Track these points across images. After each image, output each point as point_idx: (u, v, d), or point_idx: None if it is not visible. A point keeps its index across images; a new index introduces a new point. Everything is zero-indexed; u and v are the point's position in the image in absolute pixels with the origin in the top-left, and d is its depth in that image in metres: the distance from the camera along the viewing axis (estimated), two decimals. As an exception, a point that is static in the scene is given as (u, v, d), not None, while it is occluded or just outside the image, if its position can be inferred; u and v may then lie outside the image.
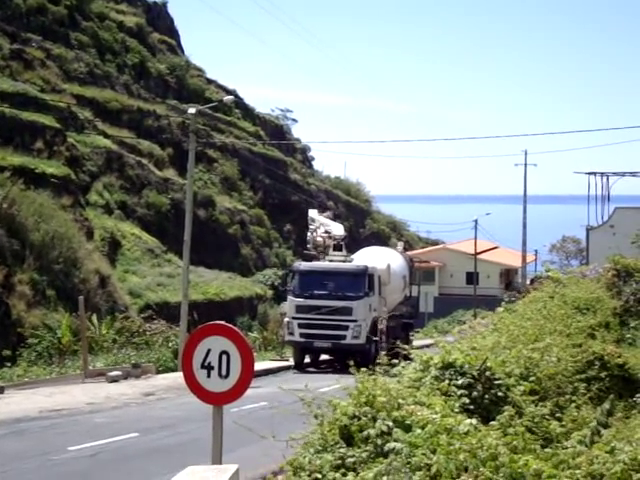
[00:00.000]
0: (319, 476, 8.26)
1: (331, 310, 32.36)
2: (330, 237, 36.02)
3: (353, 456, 8.46)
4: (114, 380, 26.51)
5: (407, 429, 8.56)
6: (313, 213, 38.75)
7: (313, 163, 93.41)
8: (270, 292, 58.92)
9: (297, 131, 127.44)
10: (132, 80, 67.87)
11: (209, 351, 8.53)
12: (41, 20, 60.51)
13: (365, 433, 8.64)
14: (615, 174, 44.07)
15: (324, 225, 36.89)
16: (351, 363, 10.14)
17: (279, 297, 51.54)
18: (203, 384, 8.57)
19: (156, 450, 15.84)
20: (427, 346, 29.31)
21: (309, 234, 36.87)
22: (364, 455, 8.44)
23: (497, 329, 16.50)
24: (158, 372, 29.43)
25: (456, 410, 9.57)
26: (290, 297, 33.64)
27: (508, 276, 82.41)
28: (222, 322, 8.82)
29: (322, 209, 45.44)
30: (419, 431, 8.41)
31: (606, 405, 13.65)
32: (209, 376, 8.54)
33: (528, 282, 58.93)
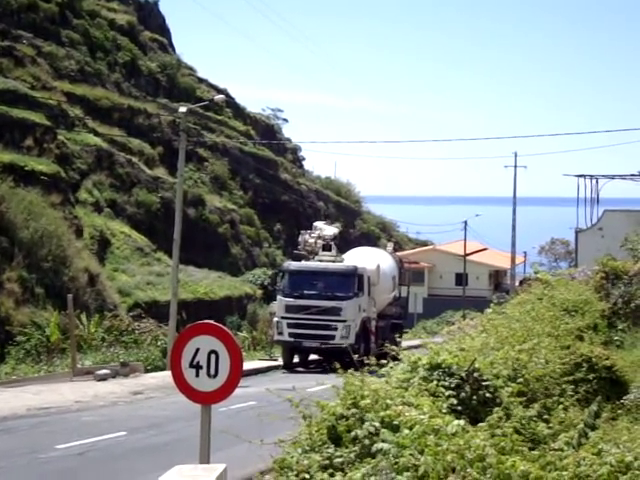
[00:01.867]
0: (307, 476, 8.27)
1: (320, 310, 32.38)
2: (320, 237, 36.02)
3: (341, 456, 8.47)
4: (102, 379, 26.46)
5: (395, 429, 8.57)
6: (319, 223, 38.83)
7: (303, 163, 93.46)
8: (259, 292, 58.90)
9: (288, 131, 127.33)
10: (123, 78, 67.74)
11: (198, 350, 8.53)
12: (32, 17, 60.31)
13: (353, 433, 8.65)
14: (604, 177, 44.14)
15: (320, 229, 36.91)
16: (337, 365, 10.13)
17: (268, 297, 51.52)
18: (192, 383, 8.56)
19: (144, 449, 15.83)
20: (416, 347, 29.34)
21: (301, 235, 36.87)
22: (352, 455, 8.45)
23: (486, 330, 16.51)
24: (147, 371, 29.40)
25: (444, 411, 9.57)
26: (279, 297, 33.65)
27: (497, 277, 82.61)
28: (211, 321, 8.82)
29: (330, 221, 44.92)
30: (407, 432, 8.42)
31: (593, 407, 13.68)
32: (198, 375, 8.54)
33: (517, 284, 59.05)
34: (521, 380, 12.27)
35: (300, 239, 36.69)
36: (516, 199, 71.51)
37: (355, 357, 10.97)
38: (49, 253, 38.96)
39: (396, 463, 7.90)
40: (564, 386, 14.02)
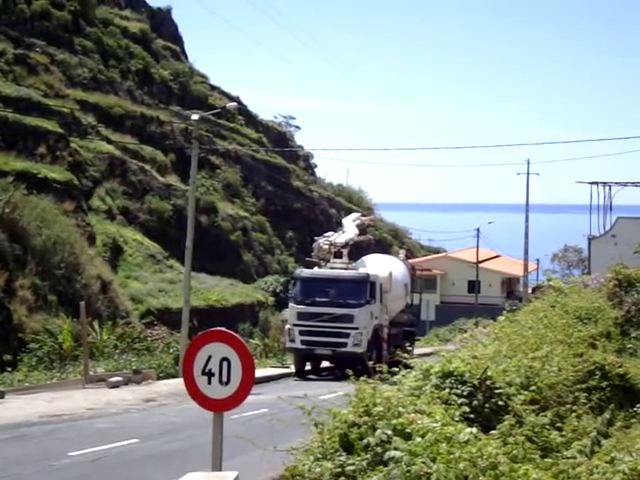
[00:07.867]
0: (319, 484, 8.26)
1: (332, 317, 32.34)
2: (332, 244, 35.95)
3: (353, 464, 8.46)
4: (115, 386, 26.48)
5: (407, 437, 8.56)
6: (347, 219, 38.84)
7: (315, 170, 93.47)
8: (271, 299, 58.90)
9: (300, 138, 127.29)
10: (135, 86, 67.97)
11: (210, 358, 8.54)
12: (45, 25, 60.63)
13: (365, 441, 8.64)
14: (617, 184, 44.12)
15: (346, 231, 36.85)
16: (350, 372, 10.13)
17: (280, 304, 51.52)
18: (204, 390, 8.57)
19: (156, 456, 15.83)
20: (428, 354, 29.29)
21: (315, 241, 36.79)
22: (364, 463, 8.44)
23: (498, 338, 16.49)
24: (159, 378, 29.39)
25: (456, 419, 9.56)
26: (291, 304, 33.63)
27: (510, 285, 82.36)
28: (223, 329, 8.82)
29: (362, 213, 44.53)
30: (419, 439, 8.41)
31: (606, 415, 13.65)
32: (210, 383, 8.55)
33: (530, 291, 58.93)
34: (534, 388, 12.25)
35: (314, 245, 36.65)
36: (529, 206, 71.39)
37: (367, 364, 10.96)
38: (62, 260, 39.04)
39: (408, 471, 7.89)
40: (577, 394, 13.99)
